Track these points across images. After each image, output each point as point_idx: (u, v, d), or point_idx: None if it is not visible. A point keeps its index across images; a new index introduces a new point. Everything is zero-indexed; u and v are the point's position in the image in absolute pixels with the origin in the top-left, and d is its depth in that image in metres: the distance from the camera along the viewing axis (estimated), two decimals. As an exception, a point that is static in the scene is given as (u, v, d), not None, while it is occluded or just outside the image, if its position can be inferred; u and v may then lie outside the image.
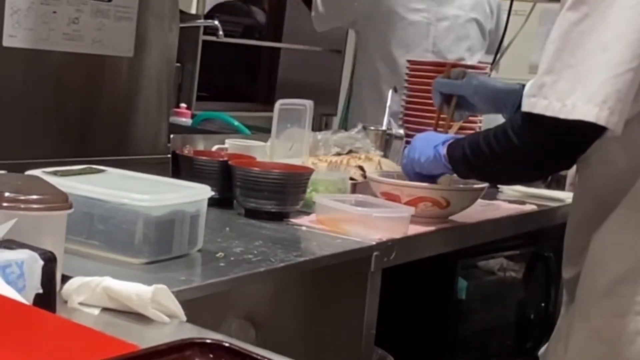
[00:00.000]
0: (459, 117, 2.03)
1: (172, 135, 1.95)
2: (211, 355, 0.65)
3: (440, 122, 2.00)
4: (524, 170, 1.64)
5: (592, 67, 1.43)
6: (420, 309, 2.13)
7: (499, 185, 2.35)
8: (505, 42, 2.56)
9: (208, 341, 0.67)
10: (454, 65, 2.35)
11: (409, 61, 2.71)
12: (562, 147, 1.52)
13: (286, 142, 1.95)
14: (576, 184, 1.68)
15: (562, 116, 1.43)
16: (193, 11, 3.43)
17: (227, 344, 0.66)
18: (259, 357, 0.65)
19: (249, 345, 0.90)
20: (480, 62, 2.54)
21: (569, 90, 1.43)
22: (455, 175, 1.81)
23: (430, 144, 1.71)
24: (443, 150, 1.69)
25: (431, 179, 1.80)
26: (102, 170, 1.44)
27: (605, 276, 1.53)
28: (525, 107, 1.49)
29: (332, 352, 1.67)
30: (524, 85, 1.71)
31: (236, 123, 2.46)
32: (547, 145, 1.52)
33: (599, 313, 1.54)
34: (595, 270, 1.56)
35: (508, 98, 1.91)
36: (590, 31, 1.42)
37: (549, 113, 1.45)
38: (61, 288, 1.09)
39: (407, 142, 2.14)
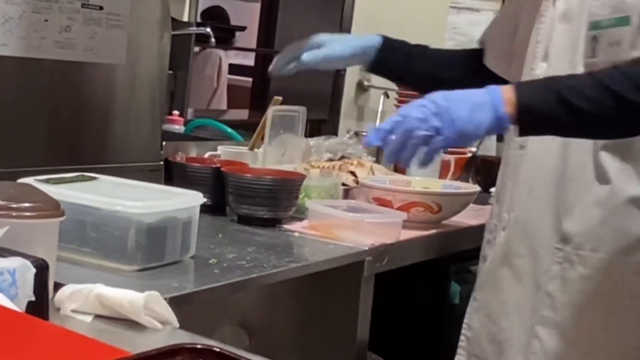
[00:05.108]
0: None
1: (164, 143, 1.95)
2: (202, 360, 0.66)
3: None
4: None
5: None
6: (414, 314, 2.14)
7: (490, 190, 2.35)
8: None
9: (198, 346, 0.67)
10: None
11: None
12: None
13: (279, 148, 1.95)
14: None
15: None
16: (185, 19, 3.43)
17: (217, 349, 0.67)
18: (249, 362, 0.65)
19: (240, 351, 0.90)
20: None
21: None
22: None
23: (477, 107, 1.31)
24: (504, 108, 1.30)
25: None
26: (94, 178, 1.45)
27: None
28: None
29: (325, 357, 1.67)
30: None
31: (229, 130, 2.46)
32: None
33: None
34: None
35: None
36: None
37: None
38: (54, 295, 1.09)
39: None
